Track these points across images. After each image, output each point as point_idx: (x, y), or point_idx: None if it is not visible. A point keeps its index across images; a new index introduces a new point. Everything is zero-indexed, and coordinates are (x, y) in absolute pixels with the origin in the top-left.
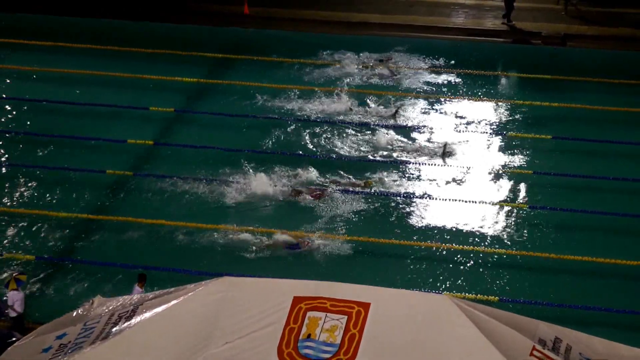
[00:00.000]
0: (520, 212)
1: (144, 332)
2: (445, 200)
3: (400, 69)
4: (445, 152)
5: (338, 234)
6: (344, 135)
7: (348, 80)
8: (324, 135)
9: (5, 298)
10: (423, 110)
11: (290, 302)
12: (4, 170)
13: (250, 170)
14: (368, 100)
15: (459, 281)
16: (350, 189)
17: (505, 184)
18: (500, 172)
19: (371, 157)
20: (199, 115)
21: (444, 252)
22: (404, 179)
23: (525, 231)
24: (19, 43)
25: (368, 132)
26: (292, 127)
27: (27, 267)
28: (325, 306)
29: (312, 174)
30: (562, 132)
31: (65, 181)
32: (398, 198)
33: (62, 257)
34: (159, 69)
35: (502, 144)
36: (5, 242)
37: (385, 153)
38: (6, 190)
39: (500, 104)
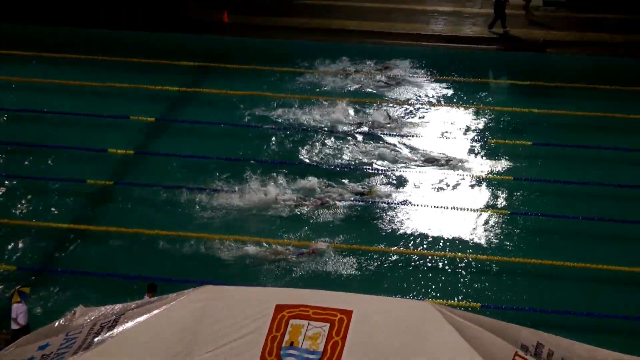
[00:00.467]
0: (501, 218)
1: (126, 341)
2: (426, 207)
3: (377, 75)
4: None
5: (318, 240)
6: (318, 142)
7: (328, 87)
8: (299, 143)
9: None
10: (402, 117)
11: (273, 310)
12: None
13: (230, 179)
14: (349, 108)
15: (441, 288)
16: (323, 200)
17: (486, 190)
18: (481, 178)
19: (343, 165)
20: (180, 124)
21: (426, 259)
22: (382, 186)
23: (506, 237)
24: None
25: (340, 139)
26: (270, 134)
27: (9, 278)
28: (307, 314)
29: (283, 183)
30: (542, 138)
31: (46, 191)
32: (378, 205)
33: (44, 267)
34: (139, 77)
35: (482, 150)
36: None
37: (358, 161)
38: None
39: (480, 110)
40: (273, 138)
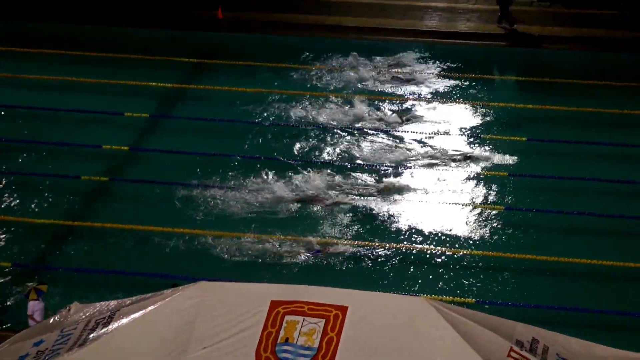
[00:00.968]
0: (496, 213)
1: (121, 338)
2: (420, 202)
3: (374, 72)
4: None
5: (315, 237)
6: (310, 139)
7: (323, 83)
8: (299, 140)
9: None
10: (393, 113)
11: (268, 306)
12: None
13: (226, 175)
14: (344, 105)
15: (436, 283)
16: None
17: (481, 186)
18: (476, 174)
19: (326, 162)
20: (174, 120)
21: (420, 255)
22: (373, 182)
23: (500, 233)
24: None
25: (329, 136)
26: (264, 131)
27: (5, 274)
28: (303, 310)
29: (271, 177)
30: (537, 133)
31: (40, 187)
32: (370, 201)
33: (39, 263)
34: (133, 74)
35: (477, 145)
36: None
37: (349, 156)
38: None
39: (474, 105)
40: (268, 135)
